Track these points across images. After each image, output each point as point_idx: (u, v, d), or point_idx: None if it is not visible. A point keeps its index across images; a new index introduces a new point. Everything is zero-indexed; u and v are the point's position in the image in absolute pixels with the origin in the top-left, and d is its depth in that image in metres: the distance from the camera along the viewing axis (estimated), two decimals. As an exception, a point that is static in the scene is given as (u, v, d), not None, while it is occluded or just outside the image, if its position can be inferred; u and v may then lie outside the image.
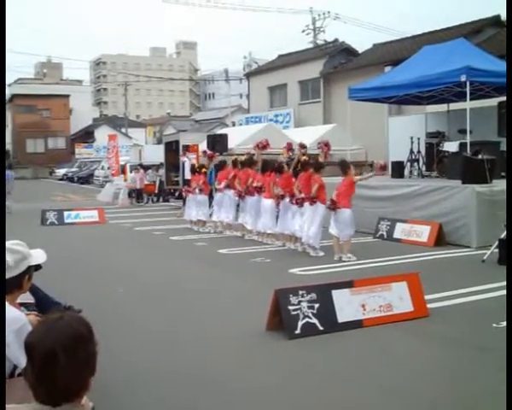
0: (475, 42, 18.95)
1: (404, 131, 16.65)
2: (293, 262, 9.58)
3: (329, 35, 49.82)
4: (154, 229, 14.76)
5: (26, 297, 3.45)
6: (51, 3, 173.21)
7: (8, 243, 3.01)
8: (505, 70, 9.87)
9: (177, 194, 22.25)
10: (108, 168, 30.03)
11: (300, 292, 5.61)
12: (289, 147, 12.56)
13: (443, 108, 17.04)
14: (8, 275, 2.91)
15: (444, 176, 13.94)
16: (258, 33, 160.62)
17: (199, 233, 13.80)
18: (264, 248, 11.29)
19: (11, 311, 2.76)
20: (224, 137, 18.05)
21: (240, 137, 20.59)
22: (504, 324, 5.49)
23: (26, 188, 31.80)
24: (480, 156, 11.27)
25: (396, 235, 11.81)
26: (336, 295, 5.77)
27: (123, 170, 26.42)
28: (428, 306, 6.24)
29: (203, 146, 18.46)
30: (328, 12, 41.12)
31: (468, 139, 12.79)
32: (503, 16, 22.18)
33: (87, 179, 42.51)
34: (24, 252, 3.06)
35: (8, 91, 57.56)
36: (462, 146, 13.01)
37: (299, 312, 5.53)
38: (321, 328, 5.56)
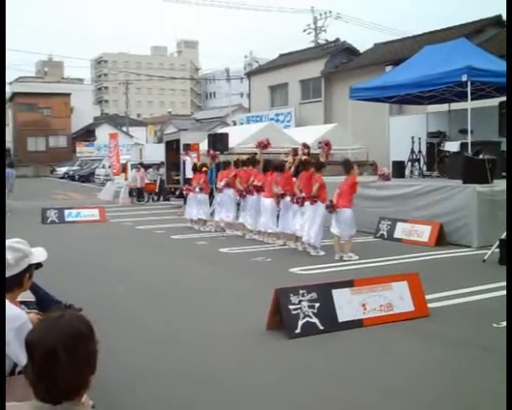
0: (476, 42, 18.95)
1: (405, 131, 16.66)
2: (294, 261, 9.59)
3: (331, 34, 49.64)
4: (155, 228, 14.76)
5: (27, 295, 3.45)
6: (51, 3, 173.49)
7: (8, 241, 3.01)
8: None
9: (177, 193, 22.25)
10: (109, 167, 30.04)
11: (301, 291, 5.61)
12: (294, 153, 12.44)
13: (444, 107, 17.04)
14: (9, 273, 2.91)
15: (445, 176, 13.96)
16: (259, 32, 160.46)
17: (199, 232, 13.81)
18: (265, 247, 11.31)
19: (12, 309, 2.76)
20: (224, 137, 18.02)
21: (241, 137, 20.57)
22: (505, 324, 5.48)
23: (27, 186, 31.79)
24: (480, 156, 11.27)
25: (397, 235, 11.81)
26: (337, 294, 5.77)
27: (124, 169, 26.42)
28: (429, 305, 6.24)
29: (204, 145, 18.44)
30: (330, 11, 41.10)
31: (469, 139, 12.80)
32: (505, 16, 22.15)
33: (88, 178, 42.61)
34: (25, 250, 3.05)
35: (10, 90, 57.50)
36: (463, 146, 13.03)
37: (299, 311, 5.53)
38: (321, 327, 5.56)
